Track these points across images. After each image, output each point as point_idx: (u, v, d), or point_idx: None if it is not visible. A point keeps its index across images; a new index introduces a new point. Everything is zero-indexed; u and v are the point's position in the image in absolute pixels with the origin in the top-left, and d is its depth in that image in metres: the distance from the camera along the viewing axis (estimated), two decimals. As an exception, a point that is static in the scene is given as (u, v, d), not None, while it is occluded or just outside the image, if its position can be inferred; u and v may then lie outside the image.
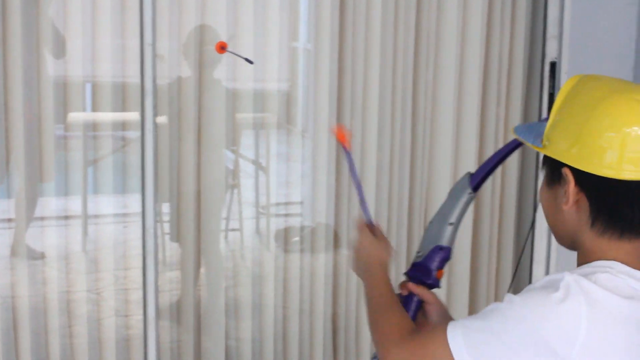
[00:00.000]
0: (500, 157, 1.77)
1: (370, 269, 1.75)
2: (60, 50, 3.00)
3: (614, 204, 1.41)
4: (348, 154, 1.81)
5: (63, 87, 3.02)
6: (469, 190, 1.75)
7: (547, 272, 3.39)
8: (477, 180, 1.75)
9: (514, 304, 1.38)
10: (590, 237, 1.44)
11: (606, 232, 1.43)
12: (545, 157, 1.49)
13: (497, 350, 1.38)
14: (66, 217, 3.14)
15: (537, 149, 1.48)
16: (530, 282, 3.41)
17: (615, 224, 1.42)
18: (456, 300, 3.43)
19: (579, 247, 1.48)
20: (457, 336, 1.43)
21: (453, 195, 1.77)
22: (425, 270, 1.76)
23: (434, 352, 1.46)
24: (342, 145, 1.81)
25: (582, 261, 1.47)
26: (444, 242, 1.75)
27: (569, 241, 1.50)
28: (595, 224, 1.43)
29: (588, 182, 1.41)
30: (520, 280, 3.51)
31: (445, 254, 1.75)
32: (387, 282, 1.71)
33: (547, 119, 1.48)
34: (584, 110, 1.42)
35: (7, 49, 2.89)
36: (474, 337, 1.41)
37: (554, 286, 1.36)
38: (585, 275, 1.37)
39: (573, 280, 1.35)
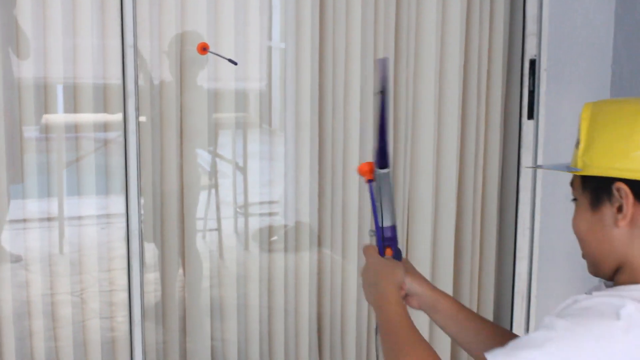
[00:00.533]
0: (381, 125, 1.72)
1: (381, 290, 1.67)
2: (25, 50, 2.98)
3: None
4: (370, 185, 1.80)
5: (44, 89, 3.00)
6: (376, 170, 1.75)
7: (530, 269, 3.40)
8: (377, 158, 1.74)
9: (574, 332, 1.34)
10: None
11: None
12: (585, 183, 1.50)
13: None
14: (49, 219, 3.12)
15: (581, 174, 1.49)
16: (514, 279, 3.43)
17: None
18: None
19: (625, 267, 1.47)
20: None
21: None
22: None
23: None
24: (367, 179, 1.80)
25: (625, 280, 1.47)
26: (383, 222, 1.77)
27: (614, 265, 1.49)
28: None
29: None
30: (503, 277, 3.53)
31: (386, 232, 1.77)
32: (401, 304, 1.64)
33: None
34: (621, 126, 1.45)
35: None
36: None
37: (615, 313, 1.34)
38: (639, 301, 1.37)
39: (635, 309, 1.34)
